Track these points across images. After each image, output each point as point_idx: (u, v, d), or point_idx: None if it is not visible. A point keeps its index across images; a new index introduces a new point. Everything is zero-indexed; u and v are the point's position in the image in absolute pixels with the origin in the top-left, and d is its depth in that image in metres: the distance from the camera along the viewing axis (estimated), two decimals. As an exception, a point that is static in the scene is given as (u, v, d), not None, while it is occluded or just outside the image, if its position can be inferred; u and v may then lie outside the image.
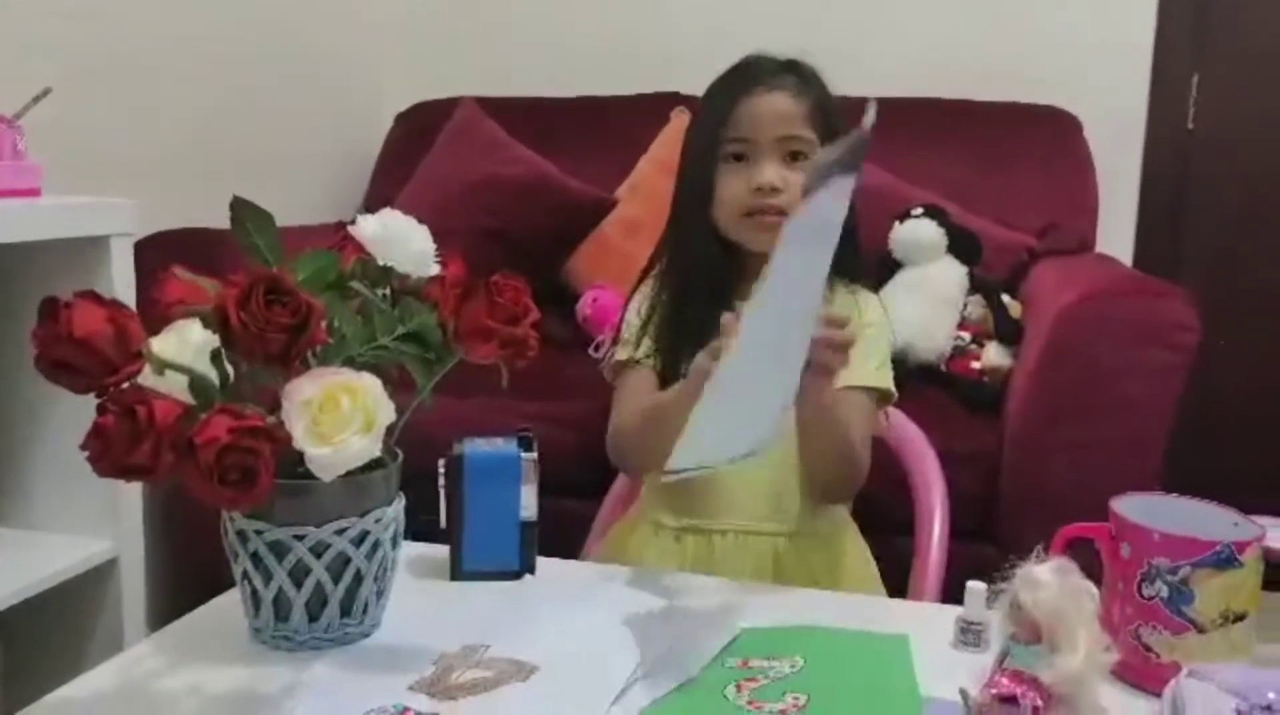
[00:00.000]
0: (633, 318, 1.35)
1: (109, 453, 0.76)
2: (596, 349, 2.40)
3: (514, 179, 2.57)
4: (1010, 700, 0.83)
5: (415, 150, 2.74)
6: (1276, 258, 2.76)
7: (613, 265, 2.57)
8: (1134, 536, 0.89)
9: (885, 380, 1.30)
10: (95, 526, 1.62)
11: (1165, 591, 0.86)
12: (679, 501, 1.30)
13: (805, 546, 1.29)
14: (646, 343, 1.32)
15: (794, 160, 1.27)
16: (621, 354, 1.34)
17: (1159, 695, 0.76)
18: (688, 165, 1.34)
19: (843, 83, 1.33)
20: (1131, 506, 0.92)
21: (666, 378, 1.30)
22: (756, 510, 1.28)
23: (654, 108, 2.71)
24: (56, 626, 1.63)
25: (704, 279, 1.30)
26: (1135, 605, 0.88)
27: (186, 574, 2.01)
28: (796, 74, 1.29)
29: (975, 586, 0.94)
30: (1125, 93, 2.76)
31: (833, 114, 1.29)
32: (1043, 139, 2.59)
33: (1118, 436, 1.80)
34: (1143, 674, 0.87)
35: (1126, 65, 2.76)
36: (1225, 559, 0.85)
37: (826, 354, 1.07)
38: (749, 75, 1.29)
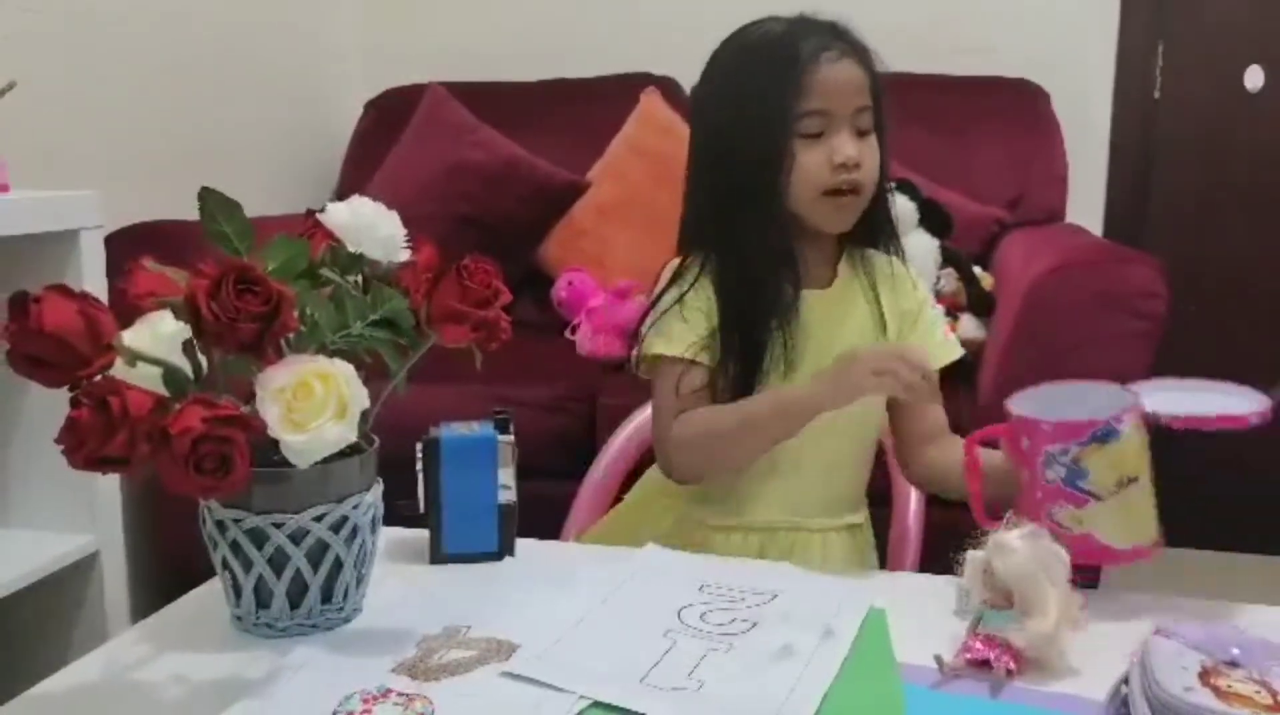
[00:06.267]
0: (669, 305, 1.21)
1: (84, 445, 0.77)
2: (573, 332, 2.41)
3: (485, 164, 2.56)
4: (983, 664, 0.85)
5: (385, 137, 2.73)
6: (1244, 223, 2.79)
7: (587, 248, 2.58)
8: (1029, 430, 0.96)
9: (955, 348, 1.27)
10: (76, 521, 1.62)
11: (1063, 473, 0.93)
12: (728, 499, 1.24)
13: (845, 538, 1.27)
14: (698, 338, 1.20)
15: (861, 135, 1.18)
16: (668, 349, 1.20)
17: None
18: (749, 140, 1.17)
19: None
20: (1025, 401, 0.99)
21: (731, 375, 1.20)
22: (811, 505, 1.24)
23: (624, 89, 2.71)
24: (40, 622, 1.63)
25: (777, 263, 1.19)
26: (1043, 490, 0.95)
27: (168, 565, 2.01)
28: (851, 40, 1.20)
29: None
30: (1091, 63, 2.78)
31: (882, 83, 1.21)
32: (1011, 111, 2.61)
33: (1089, 404, 1.82)
34: None
35: (1092, 36, 2.77)
36: (1106, 433, 0.92)
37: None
38: (813, 40, 1.17)
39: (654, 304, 1.24)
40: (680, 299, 1.21)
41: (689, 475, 1.23)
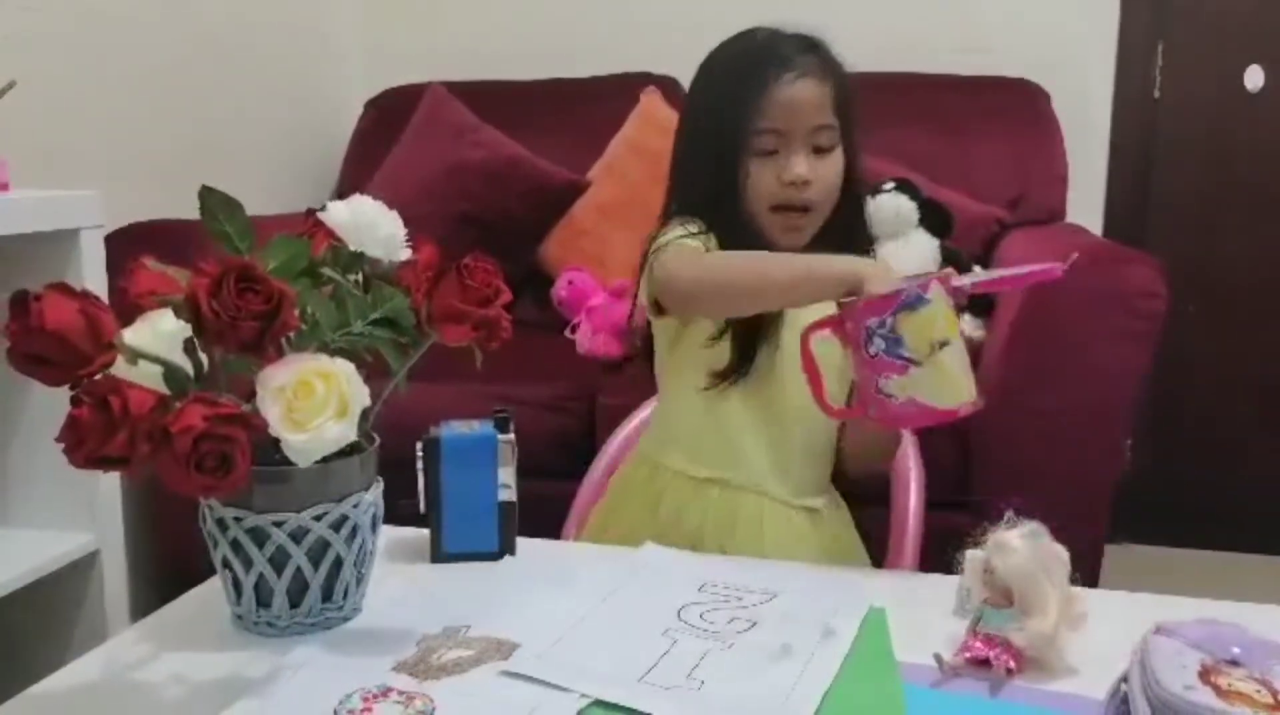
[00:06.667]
0: (681, 232, 1.24)
1: (84, 444, 0.76)
2: (573, 331, 2.41)
3: (485, 163, 2.57)
4: (983, 663, 0.85)
5: (385, 137, 2.73)
6: (1244, 224, 2.79)
7: (587, 247, 2.58)
8: (850, 313, 1.04)
9: None
10: (76, 520, 1.62)
11: (883, 344, 1.02)
12: (700, 448, 1.27)
13: (805, 520, 1.29)
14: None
15: (819, 152, 1.22)
16: (687, 238, 1.23)
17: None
18: (710, 156, 1.24)
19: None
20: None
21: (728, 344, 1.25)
22: (783, 481, 1.27)
23: (624, 88, 2.71)
24: (40, 621, 1.63)
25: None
26: (869, 365, 1.03)
27: (168, 565, 2.01)
28: (818, 55, 1.23)
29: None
30: (1091, 63, 2.78)
31: (850, 95, 1.24)
32: (1011, 111, 2.61)
33: (1088, 405, 1.82)
34: (888, 419, 1.05)
35: (1092, 35, 2.78)
36: (914, 300, 1.01)
37: None
38: (773, 59, 1.21)
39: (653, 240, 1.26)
40: (694, 235, 1.24)
41: (691, 289, 1.20)
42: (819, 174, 1.21)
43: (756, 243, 1.23)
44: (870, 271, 1.07)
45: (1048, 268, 1.07)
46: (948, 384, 1.02)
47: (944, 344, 1.01)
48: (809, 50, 1.23)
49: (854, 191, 1.27)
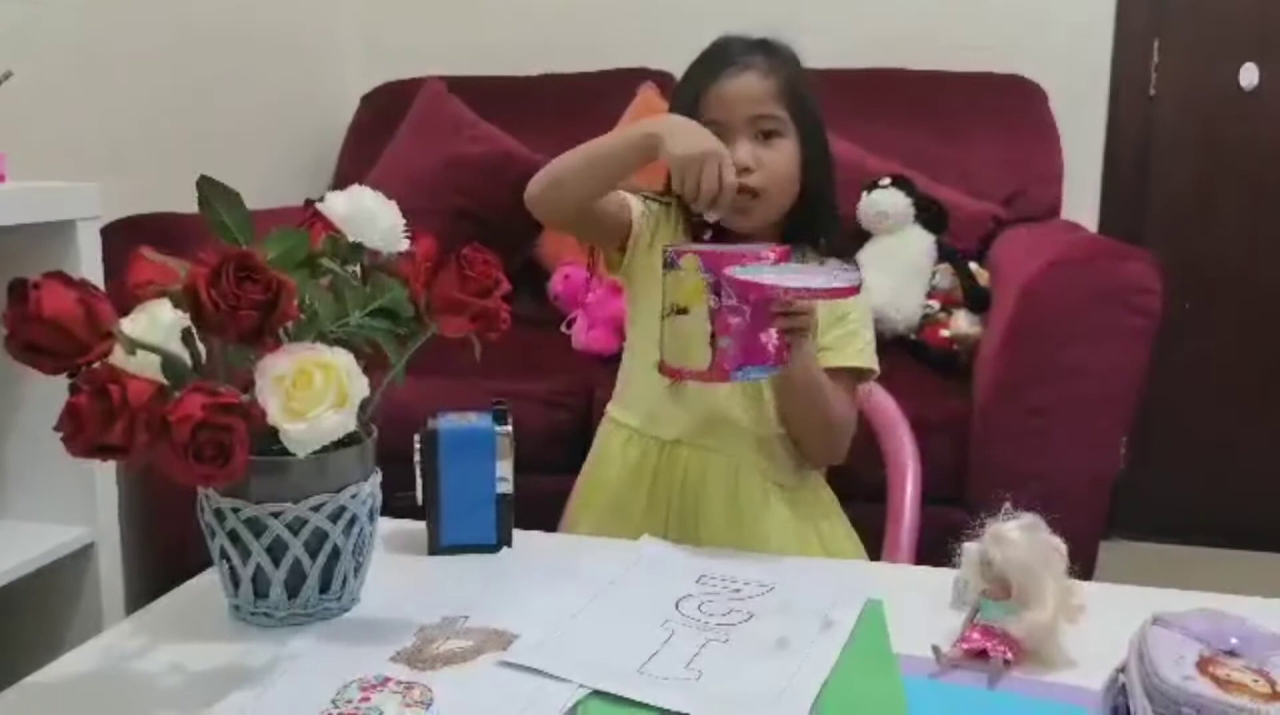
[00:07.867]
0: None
1: (83, 432, 0.76)
2: (569, 326, 2.41)
3: (481, 158, 2.56)
4: (981, 655, 0.85)
5: (381, 132, 2.72)
6: (1239, 220, 2.79)
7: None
8: None
9: (868, 359, 1.32)
10: (72, 513, 1.61)
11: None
12: (658, 412, 1.31)
13: (796, 503, 1.31)
14: (645, 205, 1.35)
15: (767, 138, 1.27)
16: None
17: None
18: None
19: (807, 56, 1.34)
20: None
21: None
22: (765, 455, 1.30)
23: (621, 84, 2.71)
24: (34, 614, 1.63)
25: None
26: None
27: (163, 558, 2.01)
28: (766, 53, 1.30)
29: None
30: (1088, 60, 2.78)
31: (803, 90, 1.30)
32: (1007, 108, 2.61)
33: (1085, 401, 1.83)
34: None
35: (1088, 32, 2.77)
36: (669, 262, 1.10)
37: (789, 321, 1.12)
38: (719, 57, 1.30)
39: None
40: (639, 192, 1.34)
41: (534, 193, 1.34)
42: (763, 160, 1.26)
43: (709, 224, 1.27)
44: (666, 129, 1.17)
45: (843, 287, 1.07)
46: (676, 346, 1.12)
47: (681, 311, 1.09)
48: (754, 49, 1.30)
49: (817, 185, 1.31)
